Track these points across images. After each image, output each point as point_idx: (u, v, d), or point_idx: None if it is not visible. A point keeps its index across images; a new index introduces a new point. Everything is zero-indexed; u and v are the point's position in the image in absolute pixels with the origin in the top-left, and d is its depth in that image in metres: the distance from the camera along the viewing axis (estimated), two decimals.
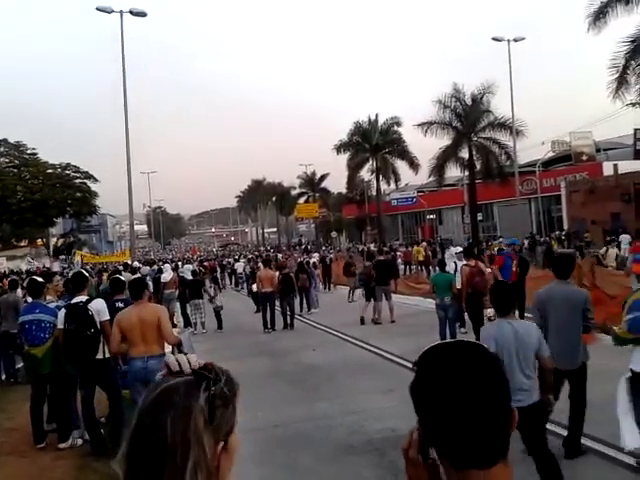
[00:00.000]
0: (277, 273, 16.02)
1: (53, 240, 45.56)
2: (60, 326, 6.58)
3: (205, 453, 1.04)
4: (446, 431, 1.12)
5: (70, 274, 9.85)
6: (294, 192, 72.02)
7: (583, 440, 5.47)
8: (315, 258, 27.41)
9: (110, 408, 6.68)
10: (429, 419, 1.15)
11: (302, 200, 69.06)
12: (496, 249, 17.73)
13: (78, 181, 39.50)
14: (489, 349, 1.21)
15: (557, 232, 37.05)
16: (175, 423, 1.02)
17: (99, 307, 6.58)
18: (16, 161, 39.06)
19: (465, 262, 11.53)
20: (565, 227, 37.56)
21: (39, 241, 49.92)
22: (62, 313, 6.60)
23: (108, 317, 6.49)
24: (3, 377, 11.11)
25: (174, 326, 13.51)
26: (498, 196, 39.64)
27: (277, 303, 15.56)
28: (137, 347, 6.21)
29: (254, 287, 20.30)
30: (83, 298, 6.69)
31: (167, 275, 17.74)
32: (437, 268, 14.16)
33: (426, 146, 50.71)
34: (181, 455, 1.01)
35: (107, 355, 6.54)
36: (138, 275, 14.06)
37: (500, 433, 1.12)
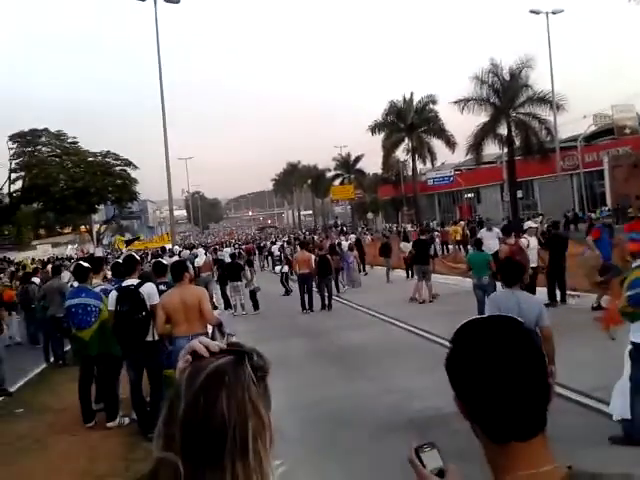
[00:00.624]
0: (314, 255, 16.09)
1: (96, 227, 46.49)
2: (111, 308, 6.73)
3: (263, 421, 1.03)
4: (486, 405, 1.12)
5: (121, 258, 10.05)
6: (329, 174, 71.71)
7: None
8: (351, 240, 27.33)
9: (151, 389, 6.83)
10: (467, 393, 1.15)
11: (337, 182, 68.70)
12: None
13: (118, 168, 40.09)
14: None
15: (602, 208, 36.10)
16: (230, 400, 1.01)
17: (150, 291, 6.72)
18: (58, 150, 39.83)
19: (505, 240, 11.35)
20: (608, 203, 36.56)
21: (82, 228, 51.12)
22: (114, 295, 6.74)
23: (158, 300, 6.61)
24: (52, 359, 11.50)
25: (214, 308, 13.74)
26: (538, 173, 38.75)
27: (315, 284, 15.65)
28: (181, 327, 6.39)
29: (277, 269, 20.63)
30: (134, 281, 6.83)
31: (200, 259, 18.26)
32: (474, 247, 13.88)
33: (463, 123, 49.85)
34: (240, 428, 1.00)
35: (156, 337, 6.68)
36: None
37: (540, 405, 1.13)
